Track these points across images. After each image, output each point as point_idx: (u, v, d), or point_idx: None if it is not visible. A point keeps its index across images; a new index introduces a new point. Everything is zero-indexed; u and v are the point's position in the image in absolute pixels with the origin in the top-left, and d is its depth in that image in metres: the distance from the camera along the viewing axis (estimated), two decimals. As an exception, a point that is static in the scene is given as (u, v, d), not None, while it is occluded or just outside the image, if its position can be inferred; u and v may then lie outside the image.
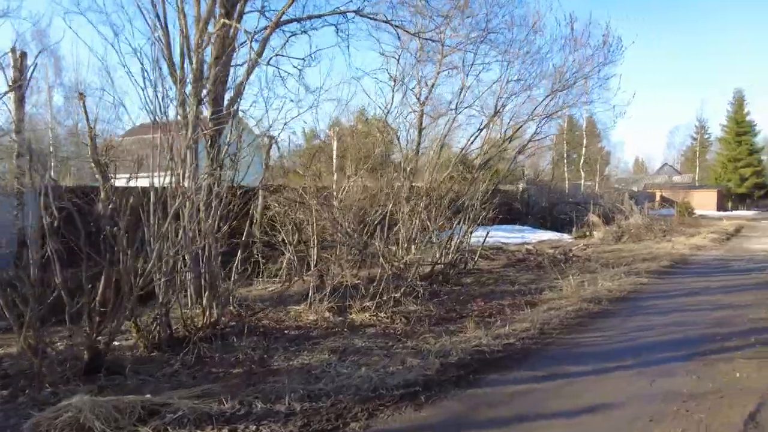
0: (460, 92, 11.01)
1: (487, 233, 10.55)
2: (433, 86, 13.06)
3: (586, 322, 6.01)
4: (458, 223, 9.90)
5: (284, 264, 7.79)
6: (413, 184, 11.53)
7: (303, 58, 7.42)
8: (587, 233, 17.99)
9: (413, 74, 13.14)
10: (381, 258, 6.50)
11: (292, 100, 6.81)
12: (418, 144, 13.21)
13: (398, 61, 12.61)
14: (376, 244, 6.71)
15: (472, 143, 10.14)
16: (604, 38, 11.49)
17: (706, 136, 61.06)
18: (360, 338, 5.48)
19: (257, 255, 7.95)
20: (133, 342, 5.03)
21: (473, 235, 10.96)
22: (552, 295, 7.45)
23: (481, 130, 10.19)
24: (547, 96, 10.63)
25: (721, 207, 45.30)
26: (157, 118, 5.06)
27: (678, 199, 38.55)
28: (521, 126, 10.99)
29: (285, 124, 6.61)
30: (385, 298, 6.39)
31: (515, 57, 10.49)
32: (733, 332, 5.53)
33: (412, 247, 9.75)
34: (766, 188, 51.86)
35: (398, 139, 13.39)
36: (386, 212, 8.72)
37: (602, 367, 4.56)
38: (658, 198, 43.53)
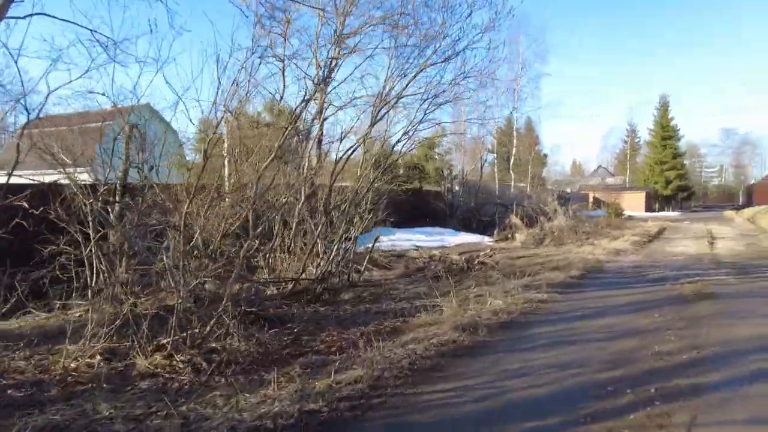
0: (328, 67, 9.41)
1: (376, 238, 9.00)
2: (331, 70, 11.45)
3: (446, 365, 4.49)
4: (341, 228, 8.30)
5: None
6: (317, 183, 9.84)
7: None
8: (509, 236, 16.94)
9: (312, 59, 11.51)
10: (171, 279, 4.73)
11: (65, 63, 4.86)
12: (319, 136, 11.57)
13: (285, 38, 10.92)
14: (169, 257, 4.91)
15: (297, 117, 8.28)
16: None
17: (637, 140, 63.26)
18: (113, 401, 3.72)
19: (56, 272, 6.02)
20: None
21: (392, 239, 9.43)
22: (427, 317, 5.95)
23: (307, 101, 8.39)
24: (418, 72, 8.88)
25: (649, 208, 46.53)
26: None
27: (610, 200, 39.07)
28: (385, 111, 9.36)
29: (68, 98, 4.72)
30: (183, 334, 4.65)
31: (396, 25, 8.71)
32: (630, 377, 4.18)
33: (284, 258, 8.09)
34: (689, 191, 54.20)
35: (296, 131, 11.69)
36: (243, 215, 6.98)
37: (435, 450, 3.03)
38: (591, 199, 44.09)
